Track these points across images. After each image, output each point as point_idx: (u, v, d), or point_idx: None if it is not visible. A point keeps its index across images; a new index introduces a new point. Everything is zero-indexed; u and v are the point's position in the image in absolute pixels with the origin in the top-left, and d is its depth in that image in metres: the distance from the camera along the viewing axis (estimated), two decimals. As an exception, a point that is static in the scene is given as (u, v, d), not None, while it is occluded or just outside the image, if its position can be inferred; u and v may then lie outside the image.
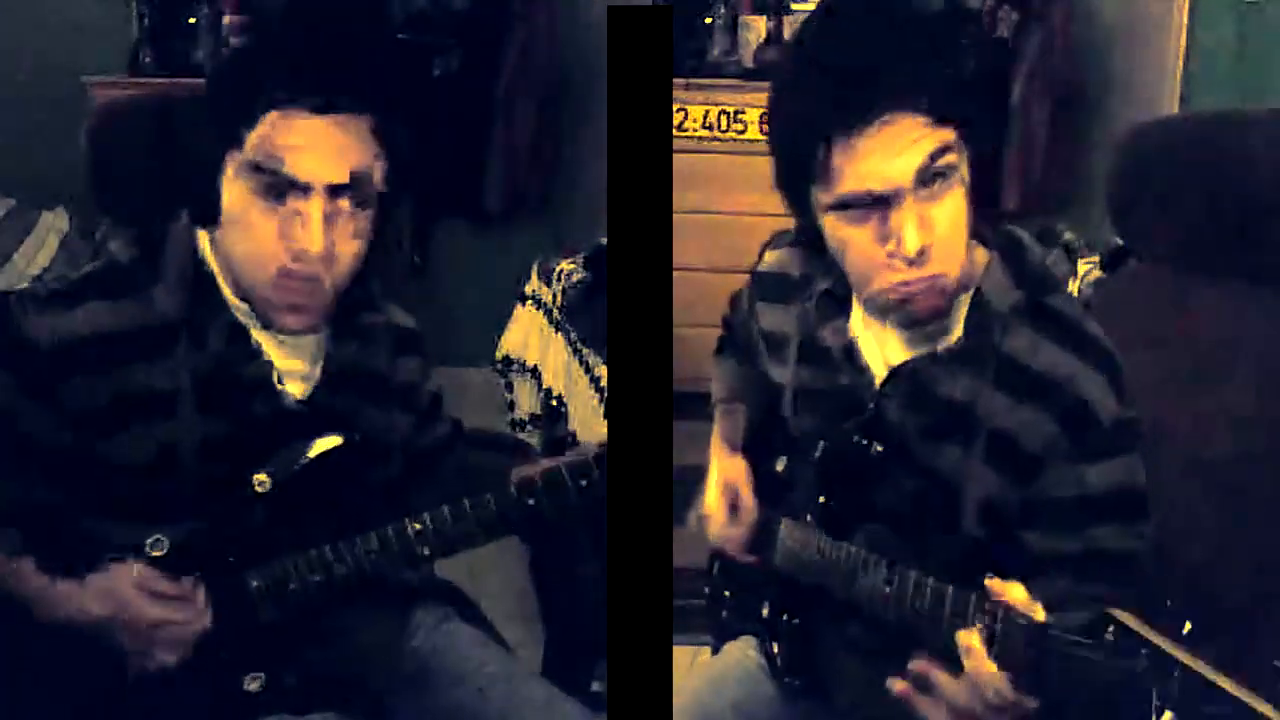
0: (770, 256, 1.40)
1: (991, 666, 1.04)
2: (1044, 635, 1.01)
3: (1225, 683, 0.89)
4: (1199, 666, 0.90)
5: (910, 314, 1.18)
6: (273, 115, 1.17)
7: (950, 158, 1.12)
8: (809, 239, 1.26)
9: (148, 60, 3.65)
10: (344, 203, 1.19)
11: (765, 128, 1.21)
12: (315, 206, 1.18)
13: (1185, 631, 0.92)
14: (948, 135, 1.12)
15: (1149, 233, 1.57)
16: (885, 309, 1.20)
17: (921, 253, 1.12)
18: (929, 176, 1.11)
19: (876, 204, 1.12)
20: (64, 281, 1.28)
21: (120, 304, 1.24)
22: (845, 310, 1.28)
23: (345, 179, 1.18)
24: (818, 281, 1.30)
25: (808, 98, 1.13)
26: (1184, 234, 1.53)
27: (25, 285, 1.30)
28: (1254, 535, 1.41)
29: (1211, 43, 3.32)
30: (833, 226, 1.16)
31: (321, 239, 1.18)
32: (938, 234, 1.13)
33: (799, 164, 1.14)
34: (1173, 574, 1.25)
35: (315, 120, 1.17)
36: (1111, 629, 0.95)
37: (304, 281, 1.21)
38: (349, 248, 1.22)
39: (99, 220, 1.34)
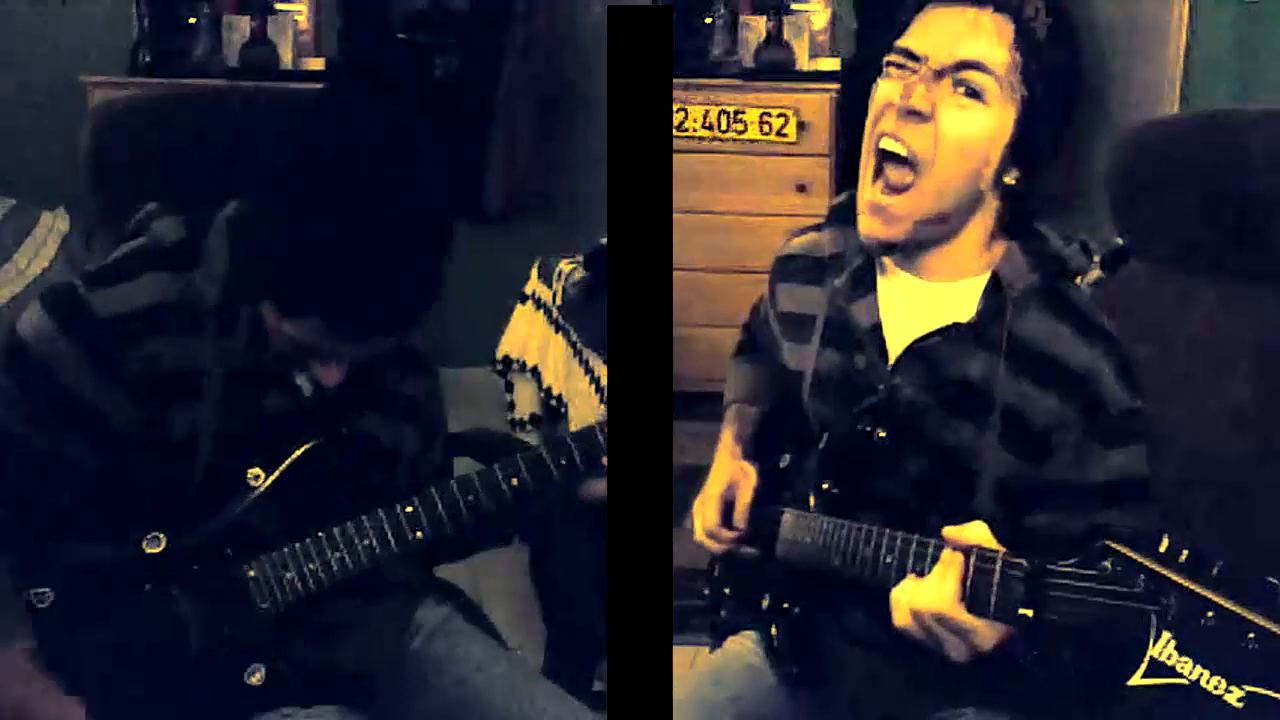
0: (798, 240, 1.43)
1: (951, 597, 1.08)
2: (1043, 573, 1.02)
3: (1219, 598, 0.91)
4: (1195, 587, 0.91)
5: (888, 214, 1.22)
6: None
7: (999, 71, 1.18)
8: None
9: (148, 60, 3.65)
10: None
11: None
12: None
13: (1182, 560, 0.93)
14: (1015, 57, 1.19)
15: (1149, 233, 1.58)
16: (866, 184, 1.24)
17: (917, 113, 1.18)
18: (962, 63, 1.18)
19: (914, 63, 1.20)
20: (112, 257, 1.29)
21: (164, 278, 1.26)
22: (874, 287, 1.30)
23: None
24: (850, 259, 1.32)
25: None
26: (1184, 234, 1.53)
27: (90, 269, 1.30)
28: (1254, 534, 1.41)
29: (1211, 43, 3.32)
30: (880, 84, 1.24)
31: None
32: (942, 144, 1.19)
33: (899, 19, 1.25)
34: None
35: None
36: (1109, 559, 0.97)
37: None
38: None
39: (108, 214, 1.34)
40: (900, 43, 1.23)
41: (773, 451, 1.43)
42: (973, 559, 1.09)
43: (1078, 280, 1.26)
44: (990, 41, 1.19)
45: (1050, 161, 1.26)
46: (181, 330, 1.25)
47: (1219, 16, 3.30)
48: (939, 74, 1.19)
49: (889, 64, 1.24)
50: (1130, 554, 0.96)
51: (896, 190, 1.21)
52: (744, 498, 1.40)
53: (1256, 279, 1.46)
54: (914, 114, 1.19)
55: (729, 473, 1.43)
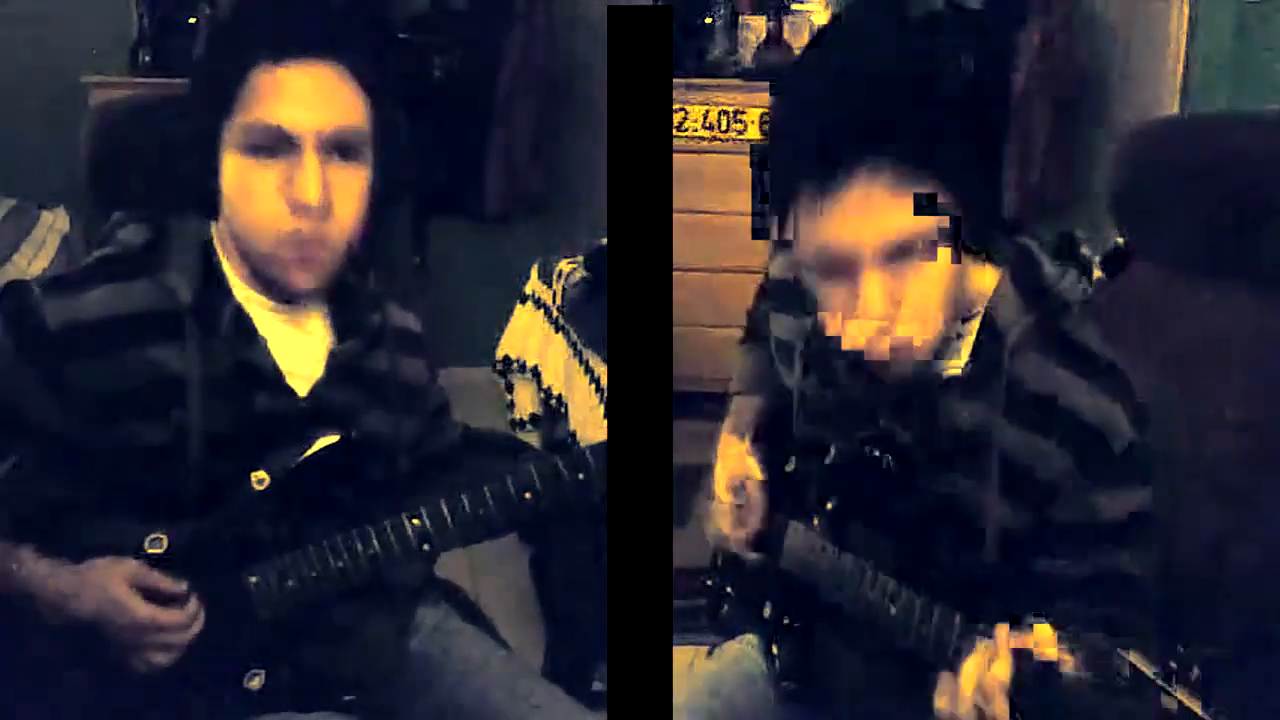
0: (778, 264, 1.40)
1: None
2: (1055, 675, 1.00)
3: None
4: (1206, 715, 0.89)
5: (879, 373, 1.18)
6: (257, 73, 1.19)
7: (924, 226, 1.08)
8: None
9: (148, 60, 3.66)
10: (337, 155, 1.22)
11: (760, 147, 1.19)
12: (309, 158, 1.20)
13: (1194, 676, 0.91)
14: (918, 215, 1.07)
15: (1149, 233, 1.57)
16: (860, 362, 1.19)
17: (883, 321, 1.11)
18: (898, 249, 1.09)
19: (843, 267, 1.10)
20: (76, 266, 1.29)
21: (133, 286, 1.25)
22: None
23: (333, 127, 1.21)
24: None
25: (781, 154, 1.13)
26: (1184, 234, 1.52)
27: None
28: (1254, 536, 1.41)
29: (1211, 43, 3.32)
30: (808, 279, 1.16)
31: (318, 189, 1.20)
32: (908, 303, 1.11)
33: (777, 216, 1.14)
34: (1172, 575, 1.25)
35: (292, 69, 1.19)
36: (1123, 669, 0.95)
37: (310, 241, 1.22)
38: (348, 205, 1.23)
39: (110, 213, 1.34)
40: (815, 245, 1.10)
41: (779, 450, 1.42)
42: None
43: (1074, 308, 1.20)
44: (907, 200, 1.07)
45: (1038, 157, 1.20)
46: (156, 335, 1.24)
47: (1219, 16, 3.30)
48: (876, 258, 1.08)
49: (812, 274, 1.13)
50: (1143, 668, 0.93)
51: (882, 359, 1.14)
52: (753, 493, 1.38)
53: (1256, 280, 1.46)
54: (882, 324, 1.11)
55: (729, 464, 1.42)
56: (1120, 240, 1.61)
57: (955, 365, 1.20)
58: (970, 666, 1.03)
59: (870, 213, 1.07)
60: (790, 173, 1.11)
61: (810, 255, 1.13)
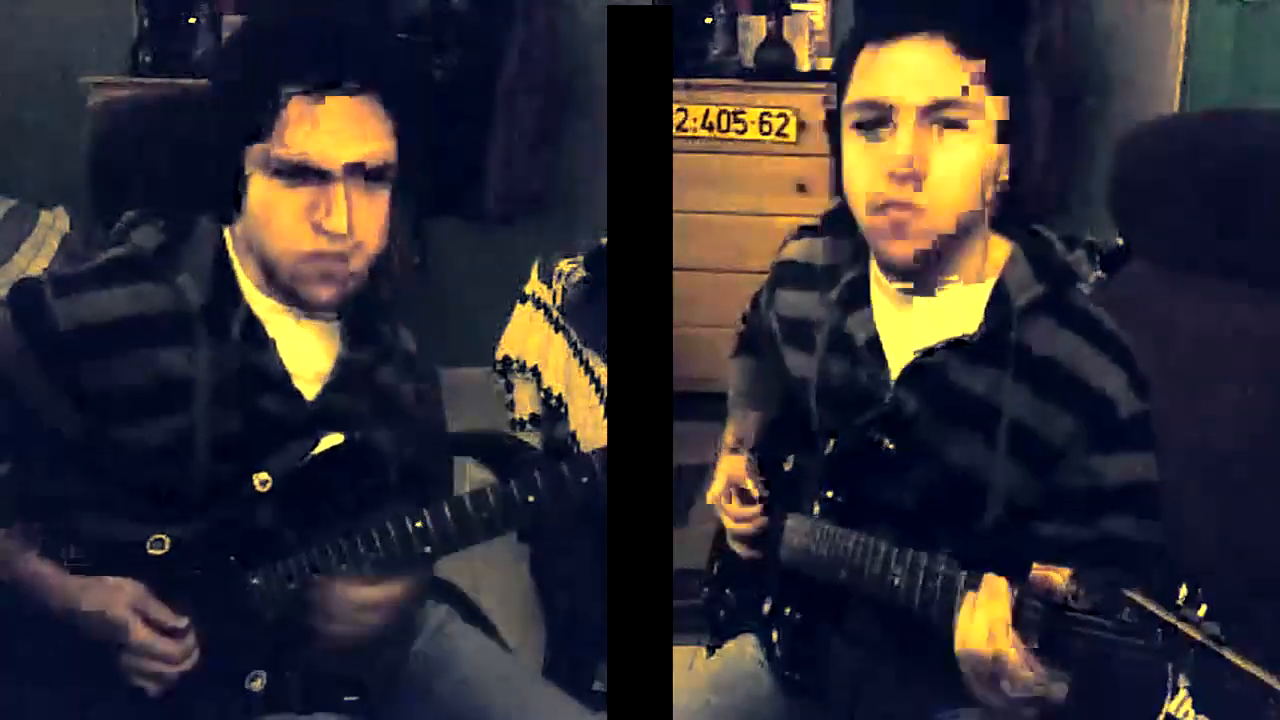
0: (794, 246, 1.41)
1: (1023, 668, 1.04)
2: (1060, 614, 1.01)
3: (1240, 660, 0.90)
4: (1213, 645, 0.91)
5: (894, 259, 1.19)
6: (291, 102, 1.18)
7: (969, 98, 1.15)
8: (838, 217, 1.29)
9: (148, 60, 3.65)
10: (363, 180, 1.21)
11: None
12: (337, 189, 1.20)
13: (1201, 614, 0.92)
14: (971, 71, 1.15)
15: (1149, 233, 1.58)
16: (874, 239, 1.21)
17: (911, 174, 1.15)
18: (940, 109, 1.15)
19: (883, 120, 1.16)
20: (88, 265, 1.28)
21: (145, 288, 1.25)
22: (869, 300, 1.29)
23: (362, 158, 1.20)
24: (843, 271, 1.31)
25: (858, 7, 1.23)
26: (1184, 234, 1.53)
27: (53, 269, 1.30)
28: (1253, 534, 1.41)
29: (1211, 43, 3.32)
30: (849, 144, 1.20)
31: (345, 220, 1.20)
32: (936, 173, 1.15)
33: (840, 68, 1.22)
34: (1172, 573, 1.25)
35: (327, 102, 1.18)
36: (1127, 609, 0.96)
37: (333, 260, 1.23)
38: (371, 225, 1.23)
39: (110, 213, 1.33)
40: (857, 94, 1.18)
41: (777, 449, 1.43)
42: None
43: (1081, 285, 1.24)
44: (954, 69, 1.15)
45: (1038, 157, 1.25)
46: (166, 338, 1.24)
47: (1219, 16, 3.31)
48: (916, 111, 1.15)
49: (856, 125, 1.19)
50: (1147, 605, 0.95)
51: (905, 229, 1.18)
52: (750, 487, 1.40)
53: (1256, 279, 1.46)
54: (908, 178, 1.15)
55: (728, 471, 1.43)
56: (1120, 240, 1.61)
57: (963, 328, 1.22)
58: (978, 604, 1.07)
59: (918, 68, 1.15)
60: (860, 28, 1.21)
61: (855, 105, 1.18)
